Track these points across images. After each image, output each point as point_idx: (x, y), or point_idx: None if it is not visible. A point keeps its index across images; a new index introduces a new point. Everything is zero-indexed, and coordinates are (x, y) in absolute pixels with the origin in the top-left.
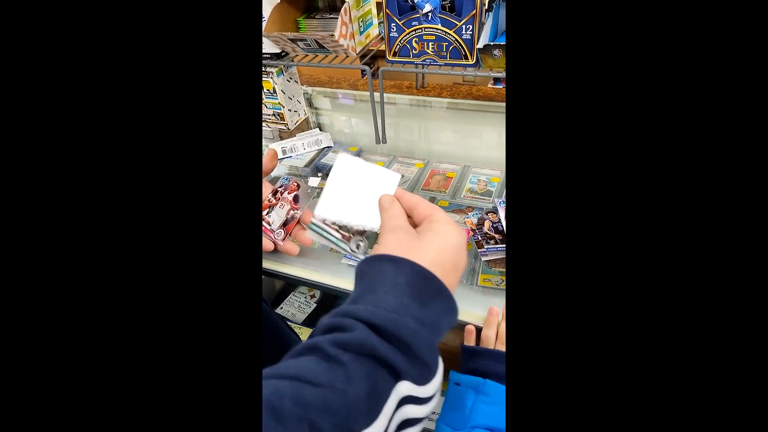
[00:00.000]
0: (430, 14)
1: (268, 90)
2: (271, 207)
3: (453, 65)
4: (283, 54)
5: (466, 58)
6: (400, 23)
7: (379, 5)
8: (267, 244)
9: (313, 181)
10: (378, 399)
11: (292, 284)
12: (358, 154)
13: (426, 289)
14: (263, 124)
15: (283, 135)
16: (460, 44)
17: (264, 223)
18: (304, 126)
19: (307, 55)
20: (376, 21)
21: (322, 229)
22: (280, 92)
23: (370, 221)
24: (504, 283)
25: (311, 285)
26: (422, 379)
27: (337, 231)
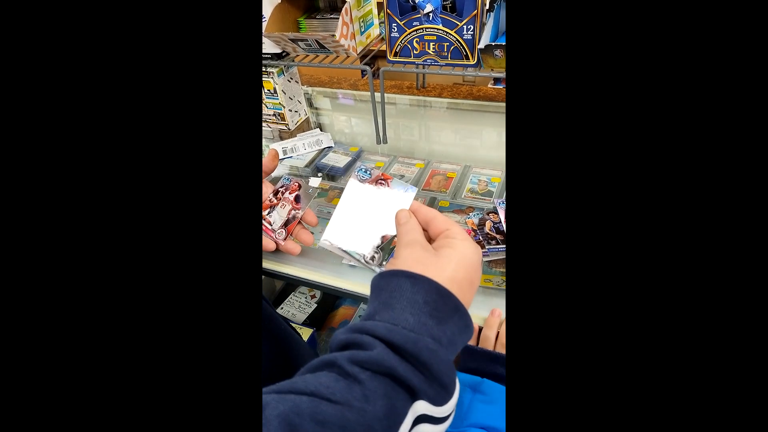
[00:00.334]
0: (431, 14)
1: (268, 90)
2: (273, 207)
3: (454, 65)
4: (283, 54)
5: (467, 58)
6: (401, 23)
7: (380, 5)
8: (268, 243)
9: (314, 181)
10: (395, 418)
11: (292, 284)
12: (359, 154)
13: (443, 306)
14: (264, 124)
15: (283, 135)
16: (461, 44)
17: (265, 223)
18: (304, 126)
19: (307, 56)
20: (376, 21)
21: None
22: (280, 92)
23: (371, 250)
24: (504, 283)
25: (312, 285)
26: (439, 399)
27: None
